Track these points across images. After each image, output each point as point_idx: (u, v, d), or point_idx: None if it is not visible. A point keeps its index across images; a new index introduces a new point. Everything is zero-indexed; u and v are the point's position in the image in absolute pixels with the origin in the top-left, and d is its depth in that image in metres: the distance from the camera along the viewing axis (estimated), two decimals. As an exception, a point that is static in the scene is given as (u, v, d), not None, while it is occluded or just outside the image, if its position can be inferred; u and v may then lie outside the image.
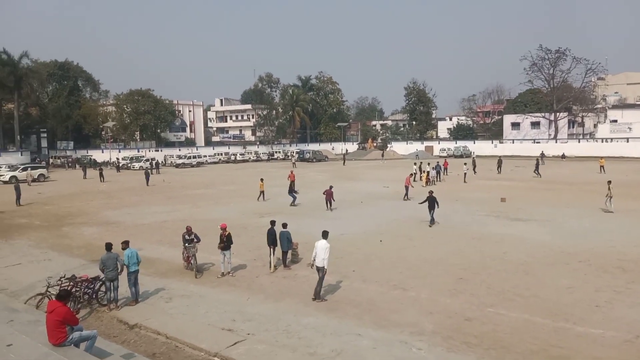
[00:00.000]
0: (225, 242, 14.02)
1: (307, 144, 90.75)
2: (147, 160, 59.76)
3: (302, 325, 10.51)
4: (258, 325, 10.52)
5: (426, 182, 35.53)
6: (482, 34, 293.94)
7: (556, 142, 76.86)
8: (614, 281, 13.03)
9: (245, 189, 35.23)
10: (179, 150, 76.35)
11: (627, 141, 71.05)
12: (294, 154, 70.95)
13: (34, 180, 42.75)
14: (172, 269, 15.08)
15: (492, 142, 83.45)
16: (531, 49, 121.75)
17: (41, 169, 48.05)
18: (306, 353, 9.21)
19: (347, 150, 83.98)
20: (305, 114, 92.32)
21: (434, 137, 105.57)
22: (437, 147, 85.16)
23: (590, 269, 14.23)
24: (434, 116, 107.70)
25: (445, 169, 43.27)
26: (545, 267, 14.45)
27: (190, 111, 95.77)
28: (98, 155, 68.44)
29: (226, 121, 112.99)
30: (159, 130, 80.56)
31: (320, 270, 11.91)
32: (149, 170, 45.43)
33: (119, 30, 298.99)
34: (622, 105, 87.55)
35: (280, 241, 14.57)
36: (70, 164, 63.59)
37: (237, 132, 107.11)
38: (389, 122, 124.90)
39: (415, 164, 43.75)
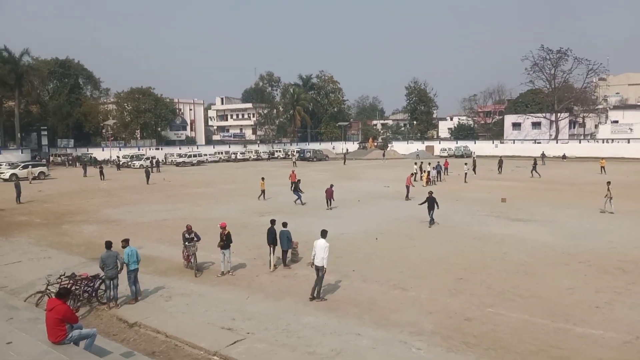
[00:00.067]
0: (225, 241, 14.02)
1: (307, 143, 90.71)
2: (148, 158, 59.76)
3: (302, 324, 10.50)
4: (258, 324, 10.51)
5: (427, 182, 35.49)
6: (484, 33, 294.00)
7: (557, 142, 76.81)
8: (614, 282, 13.02)
9: (245, 187, 35.23)
10: (180, 148, 76.30)
11: (628, 142, 70.99)
12: (295, 153, 70.92)
13: (34, 178, 42.76)
14: (172, 267, 15.08)
15: (493, 142, 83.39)
16: (532, 49, 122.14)
17: (41, 166, 48.08)
18: (306, 352, 9.20)
19: (347, 150, 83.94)
20: (306, 113, 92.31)
21: (435, 136, 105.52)
22: (438, 147, 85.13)
23: (590, 269, 14.21)
24: (434, 116, 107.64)
25: (446, 168, 43.26)
26: (546, 268, 14.44)
27: (190, 110, 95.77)
28: (98, 154, 68.43)
29: (227, 120, 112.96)
30: (159, 129, 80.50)
31: (320, 270, 11.90)
32: (150, 169, 45.47)
33: (120, 28, 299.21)
34: (623, 106, 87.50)
35: (280, 240, 14.56)
36: (70, 162, 63.56)
37: (238, 131, 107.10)
38: (390, 122, 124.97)
39: (415, 163, 43.72)
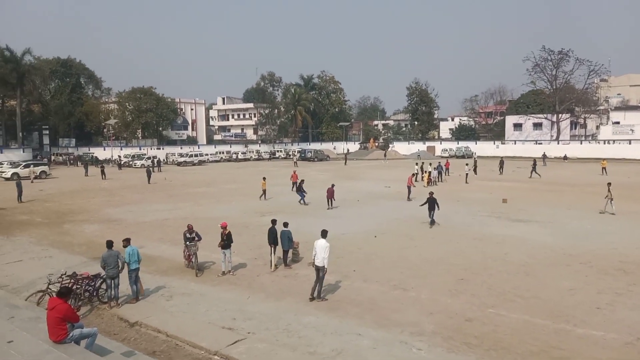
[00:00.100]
0: (226, 241, 14.02)
1: (308, 143, 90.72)
2: (149, 158, 59.78)
3: (303, 324, 10.51)
4: (258, 324, 10.52)
5: (428, 183, 35.48)
6: (485, 34, 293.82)
7: (558, 143, 76.73)
8: (615, 283, 13.01)
9: (246, 187, 35.24)
10: (181, 148, 76.32)
11: (630, 143, 70.90)
12: (296, 153, 70.95)
13: (35, 177, 42.81)
14: (173, 267, 15.09)
15: (494, 143, 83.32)
16: (534, 50, 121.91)
17: (43, 166, 48.16)
18: (306, 352, 9.20)
19: (348, 150, 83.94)
20: (307, 113, 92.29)
21: (436, 137, 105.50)
22: (439, 147, 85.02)
23: (591, 270, 14.20)
24: (436, 116, 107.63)
25: (447, 169, 43.24)
26: (547, 269, 14.43)
27: (192, 109, 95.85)
28: (100, 153, 68.52)
29: (228, 120, 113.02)
30: (160, 128, 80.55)
31: (321, 270, 11.90)
32: (151, 168, 45.49)
33: (122, 28, 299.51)
34: (625, 107, 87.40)
35: (281, 240, 14.57)
36: (72, 162, 63.66)
37: (239, 131, 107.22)
38: (391, 122, 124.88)
39: (417, 164, 43.67)
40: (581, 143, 78.11)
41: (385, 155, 74.44)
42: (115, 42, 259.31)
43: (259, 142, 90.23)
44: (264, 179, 29.76)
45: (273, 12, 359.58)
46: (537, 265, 14.81)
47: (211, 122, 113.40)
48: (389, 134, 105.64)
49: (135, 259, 11.96)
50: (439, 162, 43.87)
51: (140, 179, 41.80)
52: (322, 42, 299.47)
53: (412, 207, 24.37)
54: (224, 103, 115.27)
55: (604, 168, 44.27)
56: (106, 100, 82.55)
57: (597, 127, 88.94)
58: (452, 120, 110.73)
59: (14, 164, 48.46)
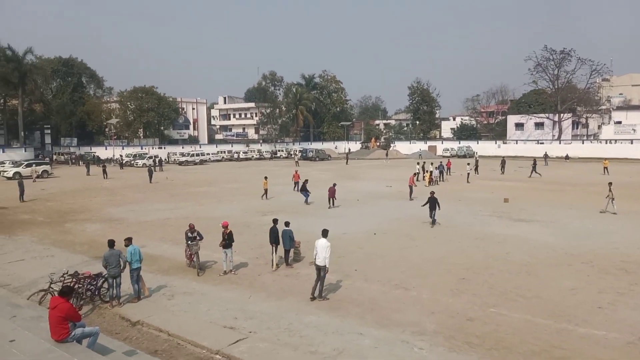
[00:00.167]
0: (227, 240, 14.03)
1: (310, 143, 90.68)
2: (151, 157, 59.88)
3: (304, 323, 10.51)
4: (260, 323, 10.53)
5: (429, 182, 35.47)
6: (486, 33, 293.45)
7: (560, 143, 76.64)
8: (617, 283, 12.99)
9: (248, 187, 35.25)
10: (182, 147, 76.39)
11: (631, 143, 70.77)
12: (297, 153, 70.95)
13: (37, 177, 42.87)
14: (175, 266, 15.11)
15: (496, 143, 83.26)
16: (535, 49, 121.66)
17: (45, 165, 48.24)
18: (308, 352, 9.21)
19: (350, 150, 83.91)
20: (308, 113, 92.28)
21: (438, 136, 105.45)
22: (441, 147, 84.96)
23: (593, 270, 14.18)
24: (437, 116, 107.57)
25: (449, 169, 43.20)
26: (548, 268, 14.41)
27: (193, 109, 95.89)
28: (101, 152, 68.56)
29: (229, 119, 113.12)
30: (162, 128, 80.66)
31: (322, 270, 11.90)
32: (152, 168, 45.57)
33: (123, 28, 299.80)
34: (627, 106, 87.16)
35: (282, 239, 14.58)
36: (73, 161, 63.79)
37: (241, 130, 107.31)
38: (393, 122, 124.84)
39: (418, 163, 43.67)
40: (583, 143, 77.97)
41: (387, 154, 74.41)
42: (117, 42, 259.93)
43: (261, 141, 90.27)
44: (266, 178, 29.78)
45: (274, 12, 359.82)
46: (539, 264, 14.80)
47: (213, 122, 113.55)
48: (390, 134, 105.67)
49: (136, 258, 11.97)
50: (441, 162, 43.80)
51: (142, 178, 41.86)
52: (324, 42, 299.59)
53: (414, 207, 24.35)
54: (225, 102, 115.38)
55: (605, 168, 44.21)
56: (108, 99, 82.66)
57: (599, 127, 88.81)
58: (454, 119, 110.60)
59: (16, 163, 48.49)
